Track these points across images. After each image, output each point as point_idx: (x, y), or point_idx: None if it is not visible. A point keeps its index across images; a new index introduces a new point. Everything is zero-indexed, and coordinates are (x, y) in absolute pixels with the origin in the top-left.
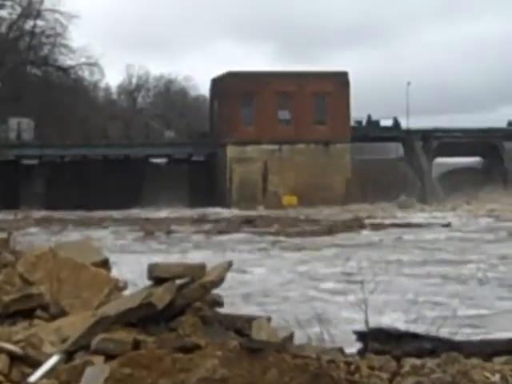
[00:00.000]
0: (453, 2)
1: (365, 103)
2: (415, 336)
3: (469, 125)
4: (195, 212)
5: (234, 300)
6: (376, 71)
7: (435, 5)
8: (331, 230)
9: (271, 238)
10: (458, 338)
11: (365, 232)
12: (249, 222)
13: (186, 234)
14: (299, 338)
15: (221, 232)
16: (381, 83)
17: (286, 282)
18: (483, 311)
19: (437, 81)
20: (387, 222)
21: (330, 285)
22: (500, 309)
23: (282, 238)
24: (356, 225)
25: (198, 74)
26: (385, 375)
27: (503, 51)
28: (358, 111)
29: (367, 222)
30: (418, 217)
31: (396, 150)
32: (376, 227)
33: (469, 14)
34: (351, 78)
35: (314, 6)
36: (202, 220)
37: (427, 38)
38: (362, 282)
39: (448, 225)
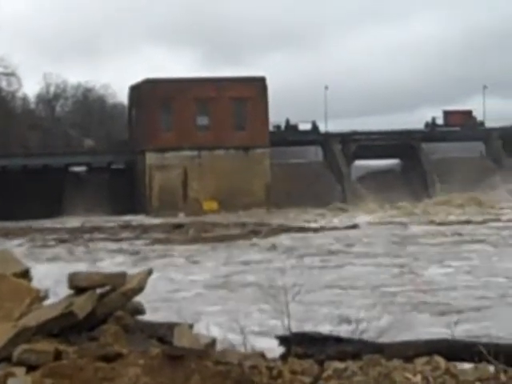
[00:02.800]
0: (376, 5)
1: (286, 108)
2: (338, 340)
3: (389, 127)
4: (116, 220)
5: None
6: (297, 75)
7: (358, 8)
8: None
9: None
10: (381, 340)
11: (254, 239)
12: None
13: (104, 242)
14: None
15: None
16: (301, 87)
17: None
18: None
19: (358, 84)
20: (290, 225)
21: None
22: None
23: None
24: (248, 232)
25: (121, 81)
26: (307, 379)
27: (424, 53)
28: (279, 116)
29: (266, 228)
30: (334, 220)
31: (315, 153)
32: (271, 232)
33: (392, 16)
34: (273, 83)
35: (240, 11)
36: (125, 227)
37: (350, 41)
38: (284, 288)
39: (354, 227)
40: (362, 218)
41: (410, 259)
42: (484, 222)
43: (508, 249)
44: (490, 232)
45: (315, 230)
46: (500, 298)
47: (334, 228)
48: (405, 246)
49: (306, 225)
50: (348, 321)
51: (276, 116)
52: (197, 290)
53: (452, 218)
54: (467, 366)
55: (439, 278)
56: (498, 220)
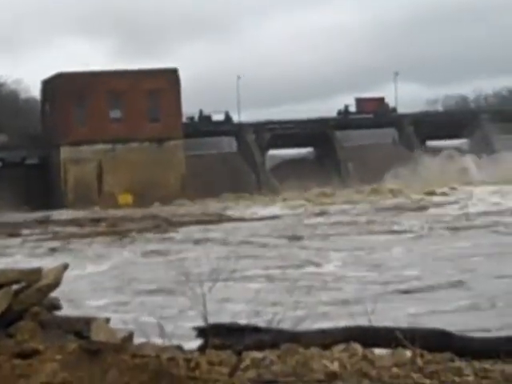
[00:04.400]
0: None
1: (200, 99)
2: (256, 329)
3: (304, 115)
4: (30, 216)
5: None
6: (211, 65)
7: None
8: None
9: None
10: (298, 329)
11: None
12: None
13: (15, 237)
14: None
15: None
16: (215, 77)
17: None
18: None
19: (272, 73)
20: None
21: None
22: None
23: None
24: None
25: (36, 75)
26: (225, 370)
27: (337, 41)
28: (194, 107)
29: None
30: (247, 211)
31: (229, 144)
32: (183, 224)
33: (306, 4)
34: (187, 73)
35: (155, 1)
36: (40, 222)
37: (264, 30)
38: (200, 280)
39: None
40: (274, 208)
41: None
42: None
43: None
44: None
45: (230, 221)
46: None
47: (244, 219)
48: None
49: (222, 215)
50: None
51: (191, 107)
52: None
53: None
54: (384, 351)
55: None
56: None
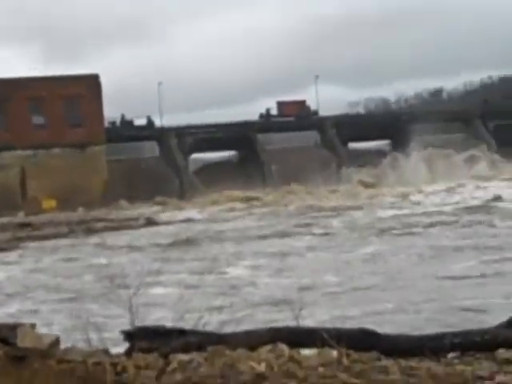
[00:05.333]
0: None
1: (123, 103)
2: (182, 332)
3: (227, 119)
4: None
5: None
6: (134, 70)
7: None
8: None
9: None
10: (224, 331)
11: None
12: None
13: None
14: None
15: None
16: (138, 82)
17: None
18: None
19: (195, 77)
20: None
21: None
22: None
23: None
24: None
25: None
26: (152, 373)
27: (259, 44)
28: (117, 112)
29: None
30: (172, 215)
31: (152, 148)
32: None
33: (228, 8)
34: (109, 79)
35: (80, 5)
36: None
37: (186, 34)
38: (125, 284)
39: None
40: (193, 212)
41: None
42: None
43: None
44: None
45: (150, 225)
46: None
47: (166, 222)
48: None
49: (139, 220)
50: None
51: (113, 112)
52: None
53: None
54: (311, 352)
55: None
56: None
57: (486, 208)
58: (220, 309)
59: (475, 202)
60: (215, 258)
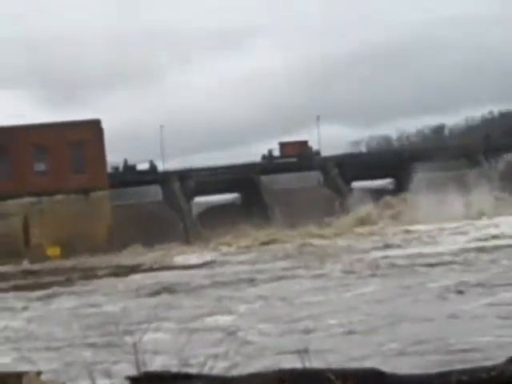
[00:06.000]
0: (215, 40)
1: (125, 148)
2: (187, 376)
3: (229, 161)
4: None
5: None
6: (136, 115)
7: (197, 44)
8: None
9: None
10: (231, 374)
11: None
12: None
13: None
14: None
15: None
16: (141, 127)
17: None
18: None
19: (197, 120)
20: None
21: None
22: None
23: None
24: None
25: None
26: None
27: (261, 87)
28: (119, 156)
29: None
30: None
31: (155, 192)
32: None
33: (229, 51)
34: (111, 124)
35: (77, 52)
36: None
37: (190, 77)
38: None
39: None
40: (205, 256)
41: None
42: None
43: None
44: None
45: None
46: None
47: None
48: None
49: (149, 265)
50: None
51: (115, 157)
52: None
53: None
54: None
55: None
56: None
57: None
58: (225, 354)
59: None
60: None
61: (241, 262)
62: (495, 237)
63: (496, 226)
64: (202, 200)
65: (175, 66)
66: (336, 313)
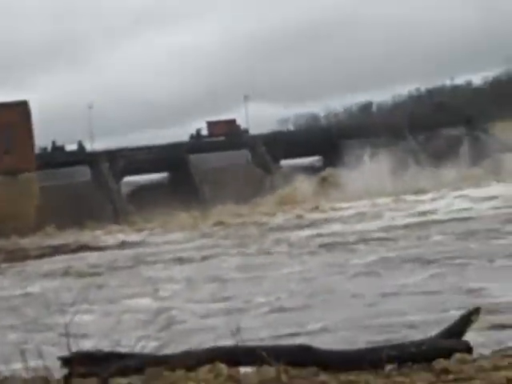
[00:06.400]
0: (147, 18)
1: (53, 129)
2: (120, 356)
3: (159, 141)
4: None
5: None
6: (63, 96)
7: (127, 22)
8: None
9: None
10: (162, 353)
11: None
12: None
13: None
14: None
15: None
16: (68, 108)
17: None
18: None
19: (127, 100)
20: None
21: None
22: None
23: None
24: None
25: None
26: None
27: (192, 65)
28: (47, 138)
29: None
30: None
31: (84, 173)
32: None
33: (165, 28)
34: (39, 105)
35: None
36: None
37: (120, 57)
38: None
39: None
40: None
41: None
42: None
43: None
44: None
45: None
46: None
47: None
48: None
49: (77, 245)
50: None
51: (44, 138)
52: None
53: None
54: (249, 370)
55: None
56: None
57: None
58: (156, 333)
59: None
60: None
61: (169, 242)
62: (427, 213)
63: (426, 201)
64: (131, 180)
65: (106, 45)
66: (265, 291)
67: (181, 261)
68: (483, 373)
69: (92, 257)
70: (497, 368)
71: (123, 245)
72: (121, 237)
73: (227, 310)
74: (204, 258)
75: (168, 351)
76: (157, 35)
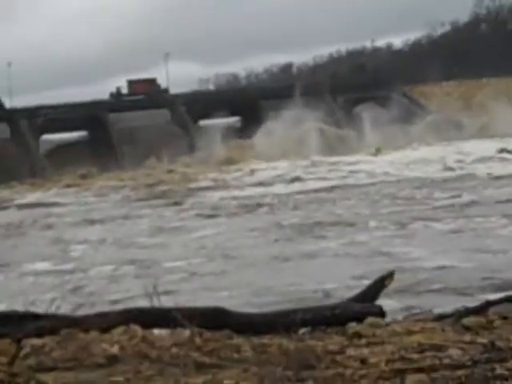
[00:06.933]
0: None
1: None
2: (35, 316)
3: (80, 99)
4: None
5: None
6: None
7: None
8: None
9: None
10: (77, 314)
11: None
12: None
13: None
14: None
15: None
16: None
17: None
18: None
19: (47, 57)
20: None
21: None
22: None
23: None
24: None
25: None
26: (4, 359)
27: (111, 22)
28: None
29: None
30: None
31: (2, 130)
32: None
33: None
34: None
35: None
36: None
37: (39, 13)
38: None
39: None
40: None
41: None
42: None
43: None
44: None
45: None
46: None
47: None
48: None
49: None
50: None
51: None
52: None
53: None
54: (163, 332)
55: None
56: None
57: None
58: (69, 295)
59: None
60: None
61: (83, 203)
62: (350, 174)
63: (347, 163)
64: (49, 138)
65: (25, 2)
66: (178, 256)
67: (92, 223)
68: (395, 337)
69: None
70: (409, 332)
71: (36, 204)
72: (35, 196)
73: (141, 273)
74: (115, 219)
75: (83, 312)
76: None
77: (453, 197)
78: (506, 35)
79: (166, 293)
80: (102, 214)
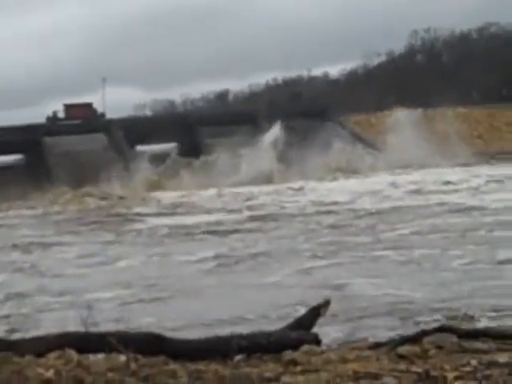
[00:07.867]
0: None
1: None
2: None
3: (13, 123)
4: None
5: None
6: None
7: None
8: None
9: None
10: (13, 337)
11: None
12: None
13: None
14: None
15: None
16: None
17: None
18: None
19: None
20: None
21: None
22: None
23: None
24: None
25: None
26: None
27: (52, 44)
28: None
29: None
30: None
31: None
32: None
33: (28, 8)
34: None
35: None
36: None
37: None
38: None
39: None
40: None
41: None
42: None
43: None
44: None
45: None
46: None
47: None
48: None
49: None
50: None
51: None
52: None
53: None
54: (99, 357)
55: None
56: None
57: None
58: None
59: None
60: None
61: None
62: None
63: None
64: None
65: None
66: (109, 285)
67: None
68: (330, 365)
69: None
70: (344, 360)
71: None
72: None
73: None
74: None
75: (19, 336)
76: (16, 14)
77: None
78: (441, 66)
79: (104, 320)
80: (33, 239)
